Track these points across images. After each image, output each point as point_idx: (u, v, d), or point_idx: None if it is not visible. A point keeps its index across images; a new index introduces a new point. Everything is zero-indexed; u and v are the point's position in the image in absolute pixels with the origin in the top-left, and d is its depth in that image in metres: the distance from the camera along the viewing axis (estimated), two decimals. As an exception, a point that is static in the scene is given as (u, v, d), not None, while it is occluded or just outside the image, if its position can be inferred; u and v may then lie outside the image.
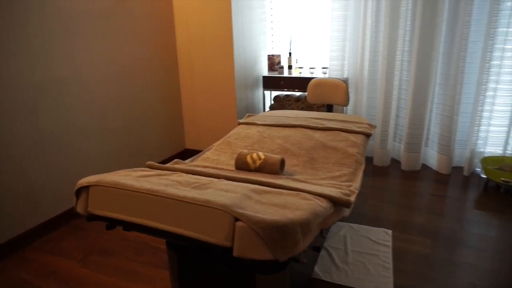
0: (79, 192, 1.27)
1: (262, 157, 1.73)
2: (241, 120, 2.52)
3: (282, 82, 3.65)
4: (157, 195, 1.11)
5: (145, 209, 1.13)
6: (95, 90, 2.64)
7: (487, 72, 2.94)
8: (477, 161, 3.19)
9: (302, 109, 3.66)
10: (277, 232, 0.95)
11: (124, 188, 1.17)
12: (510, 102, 2.97)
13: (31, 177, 2.26)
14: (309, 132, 2.23)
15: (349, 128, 2.23)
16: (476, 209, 2.61)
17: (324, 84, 3.02)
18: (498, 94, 3.00)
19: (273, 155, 1.75)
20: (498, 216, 2.51)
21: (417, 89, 3.14)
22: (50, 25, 2.28)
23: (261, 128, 2.34)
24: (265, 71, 3.90)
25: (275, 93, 3.96)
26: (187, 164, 1.82)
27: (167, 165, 1.68)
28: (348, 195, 1.48)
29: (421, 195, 2.88)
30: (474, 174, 3.21)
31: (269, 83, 3.72)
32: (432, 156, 3.36)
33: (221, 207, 1.01)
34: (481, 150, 3.16)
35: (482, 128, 3.10)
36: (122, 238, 2.35)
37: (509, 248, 2.16)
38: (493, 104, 3.03)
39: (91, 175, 2.71)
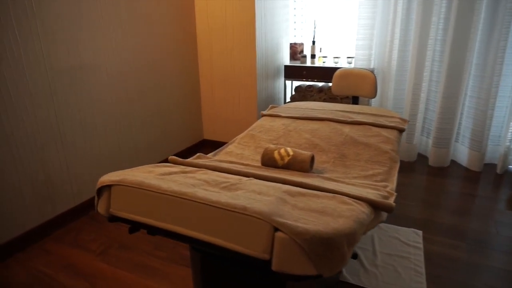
0: (100, 190, 1.19)
1: (291, 153, 1.62)
2: (264, 112, 2.41)
3: (304, 72, 3.51)
4: (186, 199, 1.02)
5: (172, 213, 1.04)
6: (115, 79, 2.56)
7: (527, 64, 2.74)
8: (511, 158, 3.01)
9: (324, 100, 3.52)
10: (322, 245, 0.85)
11: (150, 189, 1.08)
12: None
13: (51, 166, 2.21)
14: (338, 126, 2.10)
15: (381, 123, 2.09)
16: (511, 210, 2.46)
17: (350, 74, 2.87)
18: (538, 87, 2.79)
19: (302, 151, 1.64)
20: (537, 219, 2.35)
21: (449, 81, 2.96)
22: (70, 9, 2.20)
23: (286, 121, 2.22)
24: (286, 60, 3.76)
25: (296, 83, 3.82)
26: (211, 159, 1.73)
27: (191, 160, 1.59)
28: (387, 197, 1.36)
29: (450, 193, 2.73)
30: (507, 172, 3.04)
31: (291, 72, 3.58)
32: (462, 152, 3.18)
33: (259, 215, 0.91)
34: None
35: (511, 123, 2.91)
36: (141, 231, 2.30)
37: (551, 254, 2.01)
38: (532, 98, 2.83)
39: (110, 165, 2.67)
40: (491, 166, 3.13)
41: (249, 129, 2.17)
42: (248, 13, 3.07)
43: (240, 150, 1.90)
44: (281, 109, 2.47)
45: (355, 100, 3.08)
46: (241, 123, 3.39)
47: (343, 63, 3.47)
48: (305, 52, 3.71)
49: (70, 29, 2.21)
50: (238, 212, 0.93)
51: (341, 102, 3.46)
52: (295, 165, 1.59)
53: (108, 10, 2.44)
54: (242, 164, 1.66)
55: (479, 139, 3.01)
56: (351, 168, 1.69)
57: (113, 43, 2.50)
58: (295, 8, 3.74)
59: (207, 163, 1.51)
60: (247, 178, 1.30)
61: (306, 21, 3.73)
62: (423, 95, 3.16)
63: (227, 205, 0.95)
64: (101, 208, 1.17)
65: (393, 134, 1.99)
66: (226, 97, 3.39)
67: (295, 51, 3.71)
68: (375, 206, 1.22)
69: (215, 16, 3.21)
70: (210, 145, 3.62)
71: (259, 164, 1.69)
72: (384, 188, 1.49)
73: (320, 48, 3.55)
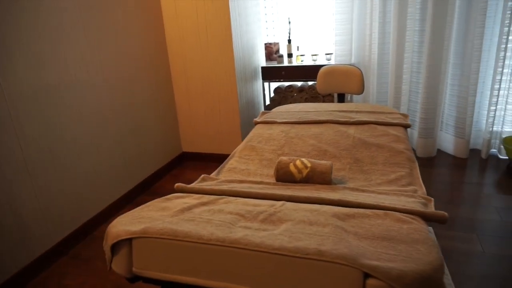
0: (114, 245, 0.96)
1: (309, 164, 1.46)
2: (257, 119, 2.24)
3: (283, 72, 3.38)
4: (238, 247, 0.83)
5: (220, 266, 0.84)
6: (84, 99, 2.27)
7: (504, 49, 2.78)
8: (494, 142, 3.07)
9: (306, 100, 3.41)
10: (423, 286, 0.70)
11: (188, 239, 0.87)
12: (528, 78, 2.84)
13: (21, 204, 1.90)
14: (341, 128, 1.98)
15: (385, 120, 2.00)
16: (509, 195, 2.47)
17: (336, 71, 2.77)
18: (515, 70, 2.85)
19: (320, 162, 1.49)
20: (535, 201, 2.38)
21: (430, 71, 2.96)
22: (32, 20, 1.89)
23: (284, 127, 2.07)
24: (263, 62, 3.61)
25: (274, 85, 3.68)
26: (217, 179, 1.53)
27: (199, 186, 1.38)
28: (426, 204, 1.25)
29: (442, 183, 2.72)
30: (491, 156, 3.09)
31: (269, 74, 3.43)
32: (448, 141, 3.21)
33: (342, 260, 0.74)
34: (498, 129, 3.04)
35: (499, 107, 2.96)
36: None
37: (560, 236, 2.02)
38: (510, 81, 2.89)
39: (87, 192, 2.38)
40: (475, 152, 3.17)
41: (246, 139, 1.99)
42: (223, 14, 2.88)
43: (244, 165, 1.72)
44: (274, 115, 2.31)
45: (341, 97, 3.00)
46: (223, 131, 3.20)
47: (321, 60, 3.38)
48: (281, 52, 3.58)
49: (28, 42, 1.91)
50: (313, 259, 0.76)
51: (324, 101, 3.37)
52: (315, 177, 1.44)
53: (73, 21, 2.15)
54: (255, 182, 1.48)
55: (462, 126, 3.03)
56: (370, 173, 1.57)
57: (79, 57, 2.22)
58: (265, 7, 3.60)
59: (222, 188, 1.32)
60: (280, 203, 1.12)
61: (279, 19, 3.60)
62: (405, 87, 3.14)
63: (296, 251, 0.77)
64: (119, 267, 0.94)
65: (400, 132, 1.90)
66: (205, 105, 3.18)
67: (271, 51, 3.57)
68: (426, 218, 1.10)
69: (186, 20, 2.99)
70: (191, 158, 3.39)
71: (273, 180, 1.52)
72: (413, 192, 1.38)
73: (298, 47, 3.44)
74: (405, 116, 2.14)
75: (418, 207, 1.16)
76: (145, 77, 2.84)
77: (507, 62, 2.83)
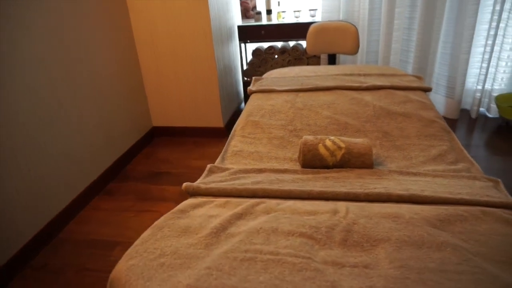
0: None
1: (342, 145, 1.18)
2: (252, 88, 1.90)
3: (262, 32, 2.99)
4: None
5: None
6: (41, 82, 1.77)
7: (500, 1, 2.61)
8: (484, 101, 2.98)
9: (289, 62, 3.08)
10: None
11: None
12: (522, 33, 2.71)
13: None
14: (355, 94, 1.70)
15: (402, 84, 1.75)
16: (510, 156, 2.39)
17: (328, 29, 2.46)
18: (509, 24, 2.70)
19: (354, 140, 1.21)
20: (536, 161, 2.31)
21: (423, 27, 2.74)
22: None
23: (286, 96, 1.75)
24: (238, 20, 3.18)
25: (252, 46, 3.30)
26: (230, 170, 1.20)
27: (217, 184, 1.05)
28: (496, 188, 1.03)
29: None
30: (481, 116, 3.01)
31: (246, 34, 3.03)
32: (439, 102, 3.07)
33: None
34: (488, 88, 2.93)
35: (484, 65, 2.82)
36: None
37: None
38: (504, 36, 2.74)
39: (55, 186, 1.94)
40: (464, 112, 3.08)
41: (245, 113, 1.66)
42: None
43: (251, 147, 1.40)
44: (269, 82, 1.98)
45: (332, 59, 2.71)
46: (199, 102, 2.81)
47: (305, 17, 3.03)
48: (258, 8, 3.17)
49: None
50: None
51: (309, 63, 3.06)
52: (352, 161, 1.17)
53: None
54: (278, 171, 1.17)
55: (453, 86, 2.90)
56: (406, 149, 1.33)
57: (32, 34, 1.70)
58: (237, -45, 3.12)
59: (247, 186, 1.00)
60: (343, 208, 0.84)
61: (254, -30, 3.15)
62: (396, 46, 2.91)
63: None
64: None
65: (423, 97, 1.66)
66: (176, 73, 2.74)
67: (247, 7, 3.14)
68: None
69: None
70: (163, 133, 2.99)
71: (297, 166, 1.23)
72: (468, 171, 1.15)
73: (278, 2, 3.04)
74: (419, 78, 1.90)
75: (499, 195, 0.93)
76: (103, 41, 2.34)
77: (502, 15, 2.66)
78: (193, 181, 1.05)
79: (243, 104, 3.47)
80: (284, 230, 0.75)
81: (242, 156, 1.34)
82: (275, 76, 2.05)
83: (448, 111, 2.99)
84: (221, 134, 2.89)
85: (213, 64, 2.67)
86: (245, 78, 3.19)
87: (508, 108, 2.70)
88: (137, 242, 0.74)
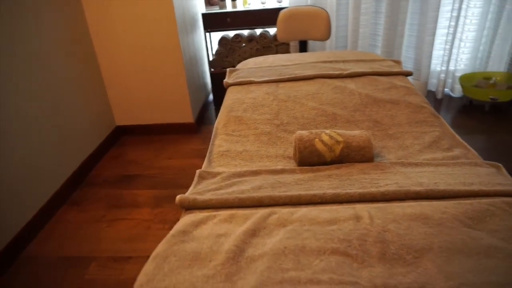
0: None
1: (340, 138, 1.11)
2: (229, 81, 1.78)
3: (228, 19, 2.85)
4: None
5: None
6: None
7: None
8: (448, 82, 3.06)
9: (257, 50, 2.97)
10: None
11: None
12: (481, 14, 2.79)
13: None
14: (337, 83, 1.64)
15: (384, 70, 1.71)
16: (478, 134, 2.47)
17: (299, 15, 2.37)
18: (470, 5, 2.77)
19: (351, 133, 1.14)
20: (499, 138, 2.40)
21: (390, 10, 2.74)
22: None
23: (267, 88, 1.66)
24: (202, 8, 3.01)
25: (217, 35, 3.14)
26: (222, 174, 1.09)
27: (215, 195, 0.94)
28: (499, 172, 1.01)
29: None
30: (446, 96, 3.09)
31: (211, 22, 2.88)
32: (406, 84, 3.11)
33: None
34: (451, 69, 3.01)
35: (447, 46, 2.88)
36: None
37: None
38: (465, 17, 2.81)
39: (18, 201, 1.70)
40: (430, 93, 3.15)
41: (224, 108, 1.55)
42: None
43: (238, 145, 1.30)
44: (246, 73, 1.87)
45: (303, 46, 2.63)
46: (166, 96, 2.63)
47: (272, 3, 2.93)
48: (222, -6, 3.01)
49: None
50: None
51: (278, 51, 2.97)
52: (351, 155, 1.10)
53: None
54: (275, 172, 1.08)
55: (419, 68, 2.94)
56: (400, 138, 1.29)
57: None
58: None
59: (252, 194, 0.90)
60: (364, 211, 0.76)
61: (215, -47, 2.97)
62: (364, 30, 2.89)
63: None
64: None
65: (406, 82, 1.63)
66: (139, 66, 2.54)
67: (210, -6, 2.98)
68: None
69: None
70: (128, 132, 2.78)
71: (293, 164, 1.15)
72: (466, 158, 1.13)
73: (243, -13, 2.91)
74: (397, 62, 1.87)
75: (509, 182, 0.91)
76: (53, 36, 2.09)
77: (464, -4, 2.72)
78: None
79: (211, 96, 3.33)
80: (313, 247, 0.66)
81: (231, 157, 1.23)
82: (251, 67, 1.95)
83: (416, 88, 3.04)
84: (192, 129, 2.74)
85: (179, 55, 2.50)
86: (212, 69, 3.05)
87: (472, 87, 2.79)
88: (140, 280, 0.62)
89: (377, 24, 2.87)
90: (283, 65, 1.89)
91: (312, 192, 0.86)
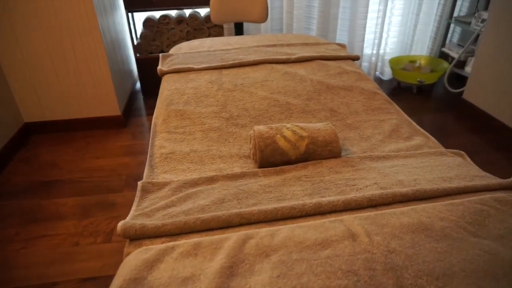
0: None
1: (304, 133, 0.99)
2: (164, 68, 1.55)
3: (153, -2, 2.55)
4: None
5: None
6: None
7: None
8: (378, 65, 3.15)
9: (188, 33, 2.72)
10: None
11: None
12: (407, -2, 2.88)
13: None
14: (286, 68, 1.51)
15: (330, 54, 1.63)
16: (410, 116, 2.57)
17: (234, -6, 2.19)
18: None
19: (315, 125, 1.03)
20: (431, 118, 2.53)
21: (325, -8, 2.69)
22: None
23: (209, 76, 1.47)
24: (121, -17, 2.65)
25: (141, 16, 2.81)
26: (171, 184, 0.90)
27: (171, 220, 0.75)
28: (463, 160, 0.98)
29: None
30: (376, 79, 3.19)
31: (133, 0, 2.55)
32: (340, 68, 3.13)
33: None
34: (381, 52, 3.10)
35: (377, 30, 2.96)
36: None
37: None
38: (392, 1, 2.89)
39: None
40: (362, 76, 3.21)
41: (162, 101, 1.33)
42: None
43: (184, 145, 1.11)
44: (182, 59, 1.65)
45: (239, 28, 2.46)
46: (86, 85, 2.28)
47: (201, -19, 2.68)
48: (144, -31, 2.67)
49: None
50: None
51: (210, 34, 2.76)
52: (318, 151, 0.99)
53: None
54: (234, 177, 0.92)
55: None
56: (360, 128, 1.21)
57: None
58: None
59: (217, 214, 0.73)
60: (353, 221, 0.64)
61: None
62: (298, 12, 2.81)
63: None
64: None
65: (355, 67, 1.57)
66: (50, 52, 2.14)
67: (129, -32, 2.62)
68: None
69: None
70: (42, 130, 2.37)
71: (250, 164, 1.00)
72: (428, 147, 1.10)
73: (168, -39, 2.60)
74: (342, 46, 1.81)
75: (482, 174, 0.87)
76: None
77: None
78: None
79: (138, 84, 3.00)
80: (315, 287, 0.52)
81: (177, 160, 1.04)
82: (186, 51, 1.73)
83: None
84: (120, 123, 2.43)
85: (98, 37, 2.16)
86: (138, 54, 2.73)
87: (400, 70, 2.89)
88: None
89: (311, 7, 2.81)
90: (223, 50, 1.71)
91: (289, 204, 0.73)
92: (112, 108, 2.39)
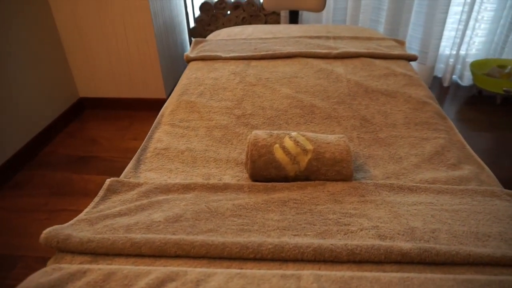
0: None
1: (309, 146, 0.81)
2: (190, 54, 1.45)
3: (211, -19, 2.46)
4: None
5: None
6: None
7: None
8: (457, 68, 2.71)
9: (243, 20, 2.60)
10: None
11: None
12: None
13: None
14: (323, 64, 1.31)
15: (382, 52, 1.38)
16: (486, 131, 2.16)
17: (290, -22, 2.00)
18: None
19: (326, 137, 0.84)
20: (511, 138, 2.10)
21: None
22: None
23: (235, 66, 1.33)
24: (181, -36, 2.61)
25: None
26: (141, 187, 0.79)
27: (94, 236, 0.64)
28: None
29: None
30: (453, 84, 2.76)
31: (192, -17, 2.49)
32: (410, 68, 2.76)
33: None
34: (462, 53, 2.66)
35: (460, 27, 2.52)
36: None
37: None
38: (484, -5, 2.44)
39: None
40: (435, 80, 2.81)
41: (177, 90, 1.23)
42: None
43: (182, 142, 1.00)
44: (214, 45, 1.53)
45: (293, 17, 2.27)
46: (134, 66, 2.30)
47: (262, -36, 2.52)
48: (206, -49, 2.60)
49: None
50: None
51: (267, 21, 2.60)
52: (323, 170, 0.80)
53: None
54: (214, 188, 0.78)
55: (426, 50, 2.59)
56: (393, 144, 0.98)
57: None
58: None
59: (151, 238, 0.60)
60: (316, 279, 0.47)
61: None
62: (366, 2, 2.51)
63: None
64: None
65: (408, 68, 1.31)
66: (103, 31, 2.19)
67: (192, -51, 2.56)
68: None
69: None
70: (93, 105, 2.46)
71: (242, 173, 0.85)
72: (480, 182, 0.83)
73: None
74: (400, 43, 1.54)
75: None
76: (-9, -16, 1.73)
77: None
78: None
79: (191, 69, 2.97)
80: None
81: (168, 158, 0.93)
82: (222, 38, 1.61)
83: (420, 77, 2.70)
84: (164, 106, 2.42)
85: (148, 19, 2.14)
86: (193, 38, 2.68)
87: (483, 76, 2.45)
88: None
89: (382, -3, 2.50)
90: (261, 38, 1.55)
91: (242, 241, 0.57)
92: (158, 90, 2.39)
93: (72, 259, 0.56)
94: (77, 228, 0.62)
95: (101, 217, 0.66)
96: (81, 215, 0.67)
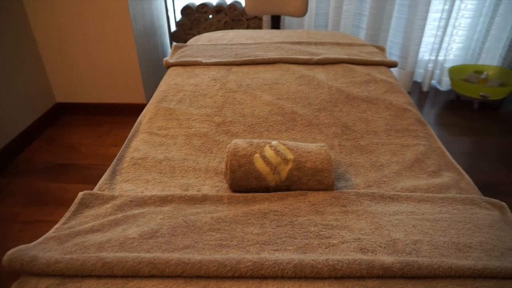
0: None
1: (290, 156, 0.79)
2: (170, 59, 1.42)
3: (193, -15, 2.44)
4: None
5: None
6: None
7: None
8: (436, 73, 2.77)
9: (225, 24, 2.59)
10: None
11: None
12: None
13: None
14: (304, 70, 1.31)
15: (362, 58, 1.38)
16: (464, 136, 2.20)
17: (271, -16, 2.00)
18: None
19: (306, 146, 0.83)
20: (494, 142, 2.14)
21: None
22: None
23: (215, 72, 1.31)
24: (162, -32, 2.57)
25: (180, 3, 2.73)
26: (115, 201, 0.76)
27: (62, 256, 0.61)
28: (503, 218, 0.72)
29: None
30: (432, 89, 2.81)
31: (173, -14, 2.46)
32: (391, 73, 2.80)
33: None
34: (441, 59, 2.71)
35: (439, 33, 2.57)
36: None
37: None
38: (461, 0, 2.49)
39: None
40: (415, 85, 2.86)
41: (156, 96, 1.20)
42: None
43: (160, 150, 0.97)
44: (195, 51, 1.51)
45: (275, 22, 2.27)
46: (113, 71, 2.25)
47: (244, -31, 2.52)
48: (187, -46, 2.58)
49: None
50: None
51: (249, 26, 2.59)
52: (304, 180, 0.79)
53: None
54: (192, 199, 0.76)
55: (406, 55, 2.63)
56: (374, 152, 0.98)
57: None
58: None
59: (122, 256, 0.58)
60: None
61: None
62: (348, 8, 2.54)
63: None
64: None
65: (389, 75, 1.32)
66: (82, 34, 2.13)
67: (172, -47, 2.54)
68: None
69: None
70: (72, 111, 2.39)
71: (221, 183, 0.83)
72: (459, 189, 0.84)
73: None
74: (380, 49, 1.55)
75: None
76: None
77: (462, -24, 2.39)
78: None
79: (173, 73, 2.93)
80: None
81: (145, 168, 0.90)
82: (203, 43, 1.58)
83: (400, 83, 2.74)
84: (145, 112, 2.37)
85: (127, 23, 2.10)
86: (174, 43, 2.65)
87: (461, 81, 2.50)
88: None
89: (363, 2, 2.52)
90: (242, 44, 1.54)
91: (220, 259, 0.55)
92: (138, 95, 2.34)
93: (38, 282, 0.53)
94: (45, 247, 0.58)
95: (71, 234, 0.62)
96: (50, 233, 0.63)
